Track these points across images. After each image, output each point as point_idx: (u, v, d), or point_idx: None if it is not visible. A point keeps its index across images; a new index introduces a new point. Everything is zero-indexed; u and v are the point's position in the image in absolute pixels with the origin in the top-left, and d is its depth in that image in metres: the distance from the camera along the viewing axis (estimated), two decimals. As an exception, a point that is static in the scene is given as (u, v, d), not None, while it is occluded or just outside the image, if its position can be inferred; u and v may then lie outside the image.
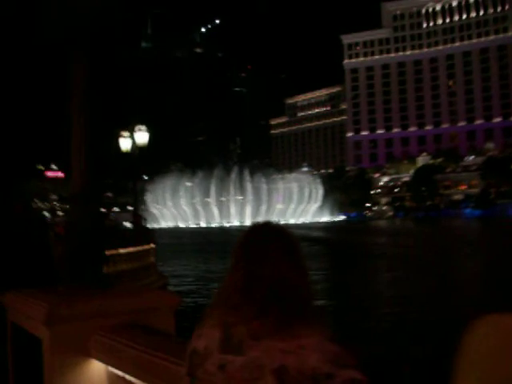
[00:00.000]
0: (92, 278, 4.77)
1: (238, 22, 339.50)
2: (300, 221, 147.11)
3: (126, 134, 20.19)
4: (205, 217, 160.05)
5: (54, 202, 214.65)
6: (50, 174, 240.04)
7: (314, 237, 64.85)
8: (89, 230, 4.89)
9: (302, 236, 60.89)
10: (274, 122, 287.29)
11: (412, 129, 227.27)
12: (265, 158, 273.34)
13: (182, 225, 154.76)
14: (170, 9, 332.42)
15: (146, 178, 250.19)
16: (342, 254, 45.29)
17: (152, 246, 18.51)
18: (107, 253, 13.18)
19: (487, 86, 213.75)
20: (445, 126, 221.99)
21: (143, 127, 19.50)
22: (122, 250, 15.37)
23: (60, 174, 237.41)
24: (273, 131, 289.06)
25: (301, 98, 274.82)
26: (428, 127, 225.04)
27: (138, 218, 19.97)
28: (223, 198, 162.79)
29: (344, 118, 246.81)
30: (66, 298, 4.05)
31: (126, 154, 19.91)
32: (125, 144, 20.08)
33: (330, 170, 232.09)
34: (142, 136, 19.90)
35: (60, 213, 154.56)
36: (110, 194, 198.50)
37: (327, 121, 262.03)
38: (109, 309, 3.93)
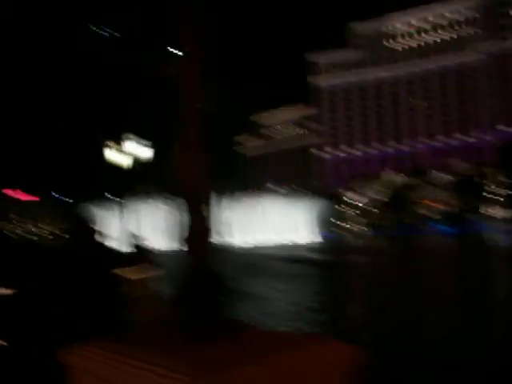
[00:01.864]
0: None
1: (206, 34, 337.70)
2: (276, 241, 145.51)
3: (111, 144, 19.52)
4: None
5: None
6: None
7: (321, 260, 63.28)
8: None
9: (299, 259, 59.71)
10: (239, 139, 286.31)
11: (376, 147, 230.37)
12: (233, 176, 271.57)
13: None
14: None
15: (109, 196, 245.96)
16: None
17: None
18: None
19: (445, 103, 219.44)
20: (409, 143, 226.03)
21: (133, 136, 18.97)
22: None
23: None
24: (238, 149, 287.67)
25: (266, 116, 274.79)
26: (393, 145, 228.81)
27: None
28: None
29: (308, 136, 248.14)
30: (209, 364, 2.71)
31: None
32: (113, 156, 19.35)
33: (299, 189, 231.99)
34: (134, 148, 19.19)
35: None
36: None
37: (296, 139, 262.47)
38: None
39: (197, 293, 3.64)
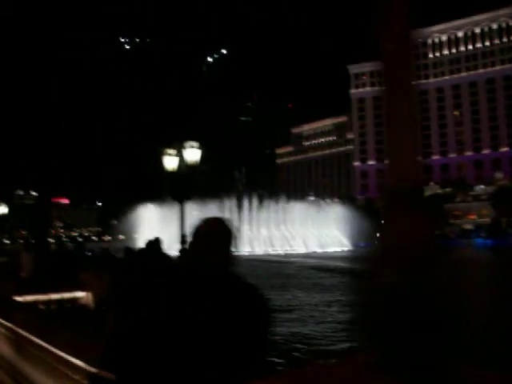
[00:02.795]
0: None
1: (244, 51, 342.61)
2: (310, 250, 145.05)
3: (171, 151, 18.85)
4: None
5: (59, 229, 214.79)
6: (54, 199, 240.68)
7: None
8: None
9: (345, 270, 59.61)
10: (279, 151, 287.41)
11: (419, 158, 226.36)
12: (270, 187, 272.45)
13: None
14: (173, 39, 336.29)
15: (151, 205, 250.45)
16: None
17: None
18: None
19: (494, 115, 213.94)
20: (451, 155, 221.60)
21: (195, 144, 18.30)
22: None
23: (65, 201, 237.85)
24: (278, 160, 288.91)
25: (306, 128, 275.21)
26: (435, 156, 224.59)
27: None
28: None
29: (350, 147, 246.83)
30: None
31: (172, 173, 18.61)
32: (170, 163, 18.69)
33: (336, 200, 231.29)
34: (193, 153, 18.59)
35: (65, 239, 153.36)
36: (114, 222, 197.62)
37: (333, 150, 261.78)
38: None
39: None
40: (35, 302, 9.71)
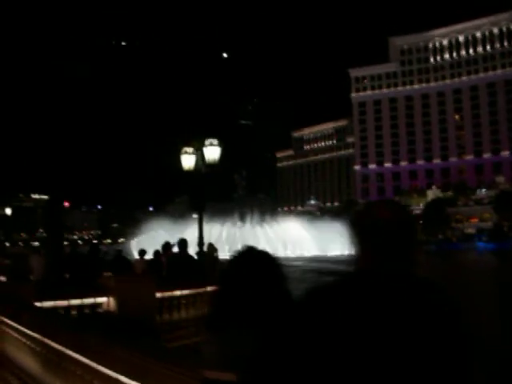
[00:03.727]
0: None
1: (245, 54, 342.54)
2: (311, 254, 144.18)
3: (189, 149, 17.85)
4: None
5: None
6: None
7: None
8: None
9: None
10: (280, 154, 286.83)
11: (419, 162, 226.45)
12: (271, 190, 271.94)
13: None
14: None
15: (151, 209, 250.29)
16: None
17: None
18: (159, 295, 10.90)
19: (495, 119, 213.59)
20: (452, 159, 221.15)
21: (215, 141, 17.35)
22: (177, 292, 12.03)
23: (65, 204, 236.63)
24: (279, 164, 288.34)
25: (307, 131, 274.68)
26: (436, 160, 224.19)
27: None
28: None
29: (350, 151, 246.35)
30: None
31: (190, 173, 17.69)
32: (188, 161, 17.74)
33: (336, 203, 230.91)
34: (213, 151, 17.64)
35: (66, 242, 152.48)
36: (115, 225, 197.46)
37: (333, 154, 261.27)
38: None
39: None
40: (54, 308, 9.05)
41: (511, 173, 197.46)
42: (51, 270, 13.86)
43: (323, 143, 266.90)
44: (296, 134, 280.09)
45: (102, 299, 9.55)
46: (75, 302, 9.30)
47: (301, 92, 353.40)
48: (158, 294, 10.47)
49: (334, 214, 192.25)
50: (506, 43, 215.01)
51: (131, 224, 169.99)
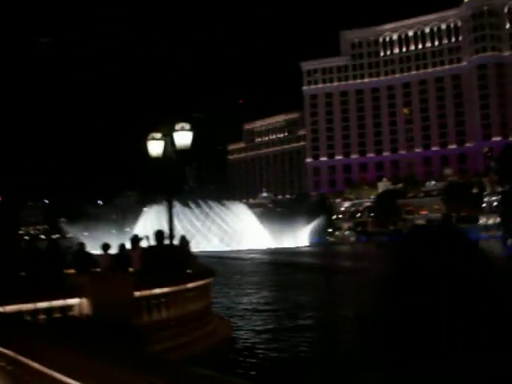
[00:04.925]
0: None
1: (199, 46, 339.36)
2: (265, 246, 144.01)
3: (157, 135, 16.44)
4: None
5: None
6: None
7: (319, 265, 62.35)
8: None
9: (295, 263, 58.97)
10: (231, 147, 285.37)
11: (370, 155, 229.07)
12: (222, 183, 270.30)
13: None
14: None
15: (100, 202, 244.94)
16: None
17: (207, 280, 13.87)
18: (137, 294, 9.62)
19: (442, 113, 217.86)
20: (402, 152, 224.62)
21: (187, 125, 16.04)
22: (157, 290, 10.66)
23: None
24: (230, 156, 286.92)
25: (259, 124, 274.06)
26: (385, 153, 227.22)
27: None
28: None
29: (302, 143, 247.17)
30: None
31: (157, 160, 16.29)
32: (155, 148, 16.30)
33: (288, 196, 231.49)
34: (185, 136, 16.32)
35: None
36: (63, 220, 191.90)
37: (285, 146, 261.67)
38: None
39: None
40: (19, 313, 7.69)
41: (458, 165, 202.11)
42: (5, 267, 12.33)
43: (275, 136, 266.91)
44: (247, 127, 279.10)
45: (74, 301, 8.21)
46: (43, 304, 7.94)
47: (252, 85, 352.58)
48: (136, 293, 9.20)
49: (286, 206, 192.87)
50: (453, 39, 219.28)
51: (80, 218, 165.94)
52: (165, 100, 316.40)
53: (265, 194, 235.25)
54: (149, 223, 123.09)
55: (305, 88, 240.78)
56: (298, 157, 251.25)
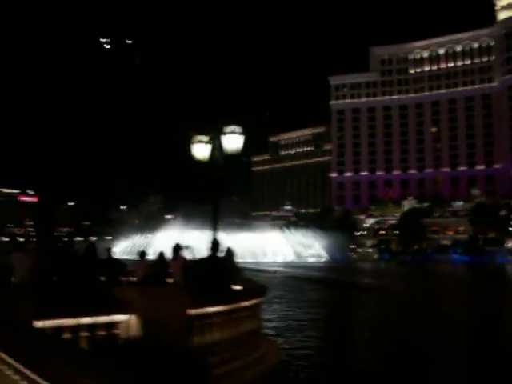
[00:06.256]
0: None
1: (224, 58, 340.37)
2: (287, 259, 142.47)
3: (204, 138, 15.40)
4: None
5: (29, 228, 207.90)
6: (24, 198, 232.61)
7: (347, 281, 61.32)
8: None
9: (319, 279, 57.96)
10: (256, 158, 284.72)
11: (396, 172, 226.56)
12: (245, 194, 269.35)
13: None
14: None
15: (123, 207, 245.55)
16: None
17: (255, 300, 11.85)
18: (191, 312, 8.37)
19: (471, 133, 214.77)
20: (428, 170, 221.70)
21: (238, 128, 14.97)
22: (211, 309, 9.45)
23: (35, 199, 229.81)
24: (254, 168, 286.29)
25: (284, 137, 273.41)
26: (411, 171, 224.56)
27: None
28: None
29: (327, 158, 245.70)
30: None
31: (205, 165, 15.30)
32: (201, 151, 15.27)
33: (311, 210, 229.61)
34: (235, 140, 15.19)
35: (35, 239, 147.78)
36: (87, 223, 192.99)
37: (310, 160, 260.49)
38: None
39: None
40: (59, 330, 6.59)
41: (486, 186, 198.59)
42: (39, 271, 11.33)
43: (300, 149, 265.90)
44: (273, 139, 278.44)
45: (121, 317, 7.13)
46: (86, 320, 6.86)
47: (279, 97, 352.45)
48: (189, 311, 8.04)
49: (309, 220, 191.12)
50: (485, 58, 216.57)
51: (104, 222, 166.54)
52: (189, 110, 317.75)
53: (288, 207, 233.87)
54: (170, 232, 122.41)
55: (332, 102, 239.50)
56: (322, 171, 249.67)
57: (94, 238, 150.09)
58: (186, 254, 14.12)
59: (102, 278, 13.12)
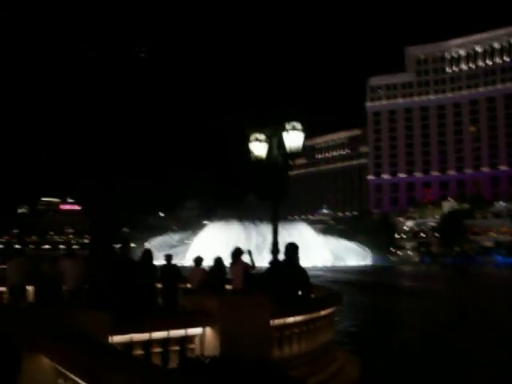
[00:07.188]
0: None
1: (259, 59, 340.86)
2: (327, 264, 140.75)
3: (261, 136, 14.63)
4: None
5: (70, 236, 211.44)
6: (65, 206, 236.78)
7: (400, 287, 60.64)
8: None
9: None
10: (291, 162, 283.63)
11: (434, 173, 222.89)
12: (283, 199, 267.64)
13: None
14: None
15: (162, 214, 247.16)
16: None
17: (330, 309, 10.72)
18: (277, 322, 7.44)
19: (511, 132, 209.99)
20: (468, 171, 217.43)
21: (298, 125, 14.22)
22: (290, 319, 8.54)
23: (76, 207, 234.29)
24: (290, 172, 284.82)
25: (319, 140, 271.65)
26: (450, 172, 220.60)
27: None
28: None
29: (363, 161, 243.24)
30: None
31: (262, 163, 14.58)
32: (259, 150, 14.57)
33: (348, 213, 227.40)
34: (296, 137, 14.56)
35: (76, 246, 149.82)
36: (125, 230, 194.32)
37: (346, 163, 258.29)
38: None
39: None
40: (130, 345, 5.90)
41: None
42: (95, 278, 10.75)
43: (336, 152, 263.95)
44: (308, 143, 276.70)
45: (196, 330, 6.37)
46: (159, 334, 6.12)
47: (313, 100, 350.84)
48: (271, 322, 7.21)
49: (347, 223, 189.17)
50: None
51: (141, 228, 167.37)
52: (224, 111, 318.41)
53: (325, 211, 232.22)
54: (211, 237, 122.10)
55: (368, 104, 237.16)
56: (359, 174, 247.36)
57: (134, 245, 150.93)
58: (246, 260, 13.41)
59: (159, 286, 12.56)
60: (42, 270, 13.90)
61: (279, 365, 4.92)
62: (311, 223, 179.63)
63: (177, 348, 6.30)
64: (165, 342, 6.24)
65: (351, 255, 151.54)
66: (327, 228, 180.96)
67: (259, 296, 6.81)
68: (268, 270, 10.99)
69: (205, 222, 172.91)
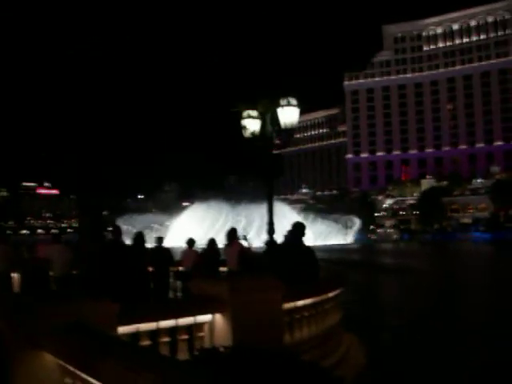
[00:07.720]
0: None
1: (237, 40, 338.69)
2: (309, 243, 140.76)
3: (253, 113, 13.98)
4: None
5: (48, 220, 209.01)
6: (42, 190, 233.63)
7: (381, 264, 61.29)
8: None
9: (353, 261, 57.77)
10: (289, 138, 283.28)
11: (412, 151, 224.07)
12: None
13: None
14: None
15: (141, 196, 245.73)
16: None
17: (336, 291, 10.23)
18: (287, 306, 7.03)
19: (488, 109, 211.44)
20: (446, 148, 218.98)
21: (293, 100, 13.57)
22: (300, 302, 8.17)
23: (53, 191, 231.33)
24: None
25: (298, 120, 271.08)
26: (428, 150, 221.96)
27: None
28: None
29: (342, 140, 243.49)
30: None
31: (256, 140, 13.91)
32: (252, 126, 14.11)
33: (327, 192, 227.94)
34: (291, 113, 13.80)
35: (54, 230, 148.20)
36: (105, 213, 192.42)
37: (325, 143, 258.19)
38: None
39: None
40: (136, 336, 5.45)
41: (505, 162, 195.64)
42: (84, 264, 10.24)
43: (314, 132, 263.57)
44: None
45: (205, 317, 5.92)
46: (167, 323, 5.67)
47: (291, 80, 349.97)
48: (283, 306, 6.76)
49: (326, 202, 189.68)
50: (500, 32, 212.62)
51: (120, 212, 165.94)
52: (206, 94, 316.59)
53: (304, 190, 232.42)
54: (192, 219, 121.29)
55: (346, 83, 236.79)
56: (337, 153, 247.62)
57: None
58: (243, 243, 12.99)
59: (150, 269, 12.09)
60: (28, 257, 13.35)
61: (300, 356, 4.51)
62: (291, 203, 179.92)
63: (186, 337, 5.87)
64: (173, 331, 5.81)
65: (332, 234, 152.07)
66: (307, 207, 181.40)
67: (271, 279, 6.37)
68: (266, 250, 10.61)
69: (185, 204, 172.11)
